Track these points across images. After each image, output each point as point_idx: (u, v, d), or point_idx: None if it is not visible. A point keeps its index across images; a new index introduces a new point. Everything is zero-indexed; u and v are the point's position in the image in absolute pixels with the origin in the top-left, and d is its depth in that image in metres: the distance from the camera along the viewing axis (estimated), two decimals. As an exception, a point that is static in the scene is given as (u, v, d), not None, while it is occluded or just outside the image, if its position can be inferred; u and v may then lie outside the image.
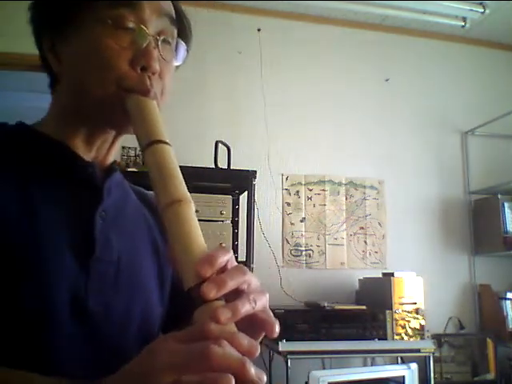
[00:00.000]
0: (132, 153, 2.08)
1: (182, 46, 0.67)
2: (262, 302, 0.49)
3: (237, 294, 0.47)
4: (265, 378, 0.43)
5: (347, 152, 2.86)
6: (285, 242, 2.69)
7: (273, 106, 2.78)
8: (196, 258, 0.48)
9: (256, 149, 2.71)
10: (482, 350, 2.64)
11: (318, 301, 2.26)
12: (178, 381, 0.39)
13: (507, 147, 3.07)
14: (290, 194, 2.75)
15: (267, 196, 2.70)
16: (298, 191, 2.76)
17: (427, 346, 2.21)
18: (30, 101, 2.80)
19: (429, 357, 2.23)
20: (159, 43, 0.62)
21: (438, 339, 2.51)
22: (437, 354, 2.44)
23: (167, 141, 0.57)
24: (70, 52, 0.62)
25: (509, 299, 2.72)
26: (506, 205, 2.72)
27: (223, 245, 2.10)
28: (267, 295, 0.50)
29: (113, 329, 0.60)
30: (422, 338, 2.22)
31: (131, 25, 0.60)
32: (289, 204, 2.74)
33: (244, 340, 0.43)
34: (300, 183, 2.77)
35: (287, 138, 2.78)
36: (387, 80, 3.00)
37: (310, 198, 2.77)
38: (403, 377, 2.18)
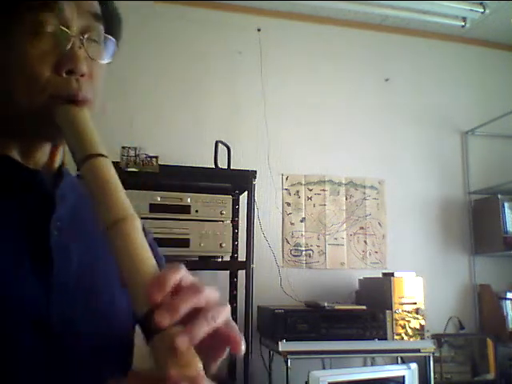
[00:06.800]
0: (132, 153, 2.08)
1: (111, 41, 0.63)
2: (223, 317, 0.47)
3: (194, 312, 0.45)
4: None
5: (347, 152, 2.86)
6: (285, 241, 2.69)
7: (273, 106, 2.78)
8: (146, 281, 0.45)
9: (256, 149, 2.71)
10: (482, 350, 2.64)
11: (318, 301, 2.26)
12: None
13: (507, 147, 3.07)
14: (290, 194, 2.75)
15: (267, 196, 2.69)
16: (297, 191, 2.76)
17: (427, 346, 2.21)
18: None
19: (429, 357, 2.23)
20: (84, 42, 0.58)
21: (438, 339, 2.51)
22: (437, 354, 2.43)
23: (103, 153, 0.53)
24: None
25: (509, 299, 2.72)
26: (506, 205, 2.72)
27: (223, 245, 2.10)
28: (228, 308, 0.49)
29: (78, 341, 0.58)
30: (422, 338, 2.22)
31: (51, 28, 0.56)
32: (289, 204, 2.73)
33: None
34: (300, 183, 2.77)
35: (287, 138, 2.78)
36: (387, 80, 3.00)
37: (310, 198, 2.77)
38: (403, 377, 2.17)
